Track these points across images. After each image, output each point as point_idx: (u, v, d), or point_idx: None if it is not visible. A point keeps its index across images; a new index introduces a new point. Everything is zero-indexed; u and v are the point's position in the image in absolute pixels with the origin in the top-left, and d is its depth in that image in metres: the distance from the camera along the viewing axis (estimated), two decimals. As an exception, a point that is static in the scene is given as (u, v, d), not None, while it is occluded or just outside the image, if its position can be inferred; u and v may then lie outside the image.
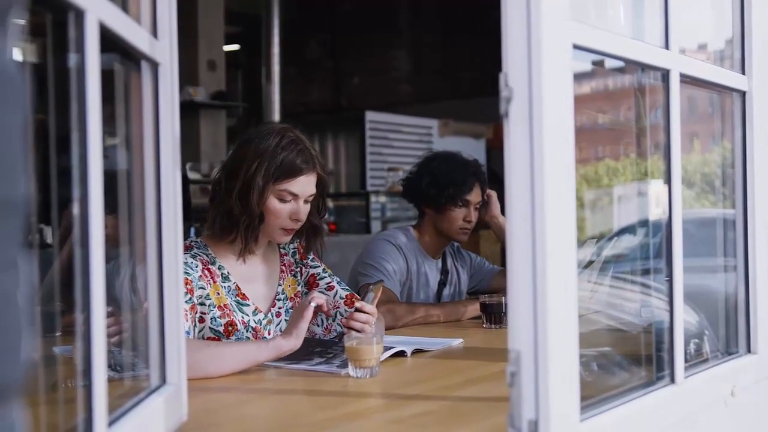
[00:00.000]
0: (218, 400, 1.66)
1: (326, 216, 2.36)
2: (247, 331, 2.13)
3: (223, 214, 2.13)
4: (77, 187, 0.95)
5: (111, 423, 1.04)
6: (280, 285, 2.26)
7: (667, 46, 1.44)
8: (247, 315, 2.14)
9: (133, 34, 1.16)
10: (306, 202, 2.15)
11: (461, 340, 2.29)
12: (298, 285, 2.31)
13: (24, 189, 0.53)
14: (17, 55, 0.54)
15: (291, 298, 2.27)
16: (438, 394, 1.66)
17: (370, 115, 7.71)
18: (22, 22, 0.57)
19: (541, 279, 1.11)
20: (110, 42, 1.06)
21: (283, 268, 2.29)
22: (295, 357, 1.97)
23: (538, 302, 1.11)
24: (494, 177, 4.07)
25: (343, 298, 2.26)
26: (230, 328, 2.09)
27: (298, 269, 2.32)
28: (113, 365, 1.24)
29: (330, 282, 2.31)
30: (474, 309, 2.74)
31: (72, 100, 0.95)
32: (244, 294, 2.16)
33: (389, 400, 1.65)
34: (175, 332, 1.33)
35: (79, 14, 0.94)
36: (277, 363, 1.92)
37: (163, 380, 1.32)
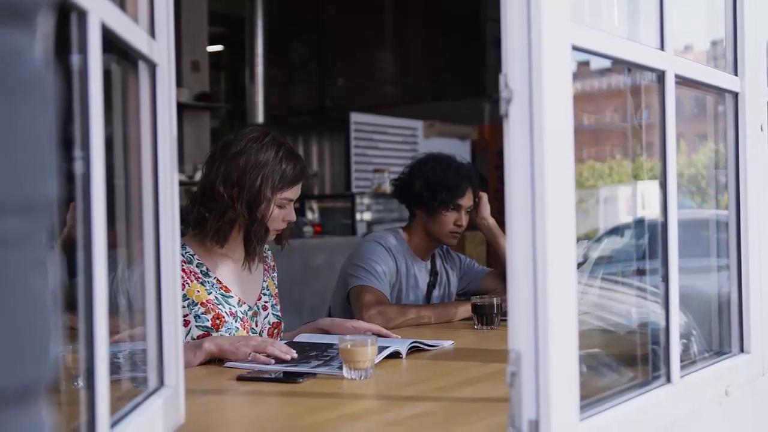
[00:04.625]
0: (215, 403, 1.65)
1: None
2: (235, 321, 2.17)
3: (226, 223, 2.15)
4: (79, 187, 0.94)
5: (112, 425, 1.03)
6: (265, 281, 2.34)
7: (662, 47, 1.45)
8: (234, 306, 2.18)
9: (133, 34, 1.15)
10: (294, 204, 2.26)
11: (452, 342, 2.29)
12: (275, 287, 2.40)
13: (53, 190, 0.53)
14: (46, 55, 0.53)
15: (274, 295, 2.36)
16: (434, 395, 1.66)
17: (355, 117, 7.69)
18: (50, 23, 0.57)
19: (542, 279, 1.11)
20: (107, 42, 1.05)
21: (266, 267, 2.37)
22: (292, 361, 1.96)
23: (538, 302, 1.11)
24: (479, 178, 4.07)
25: (269, 325, 2.31)
26: (218, 322, 2.14)
27: (274, 274, 2.42)
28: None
29: (274, 303, 2.39)
30: (465, 310, 2.74)
31: (74, 99, 0.94)
32: (226, 287, 2.20)
33: (385, 402, 1.65)
34: (172, 335, 1.32)
35: (82, 15, 0.93)
36: (276, 366, 1.91)
37: (161, 382, 1.31)
